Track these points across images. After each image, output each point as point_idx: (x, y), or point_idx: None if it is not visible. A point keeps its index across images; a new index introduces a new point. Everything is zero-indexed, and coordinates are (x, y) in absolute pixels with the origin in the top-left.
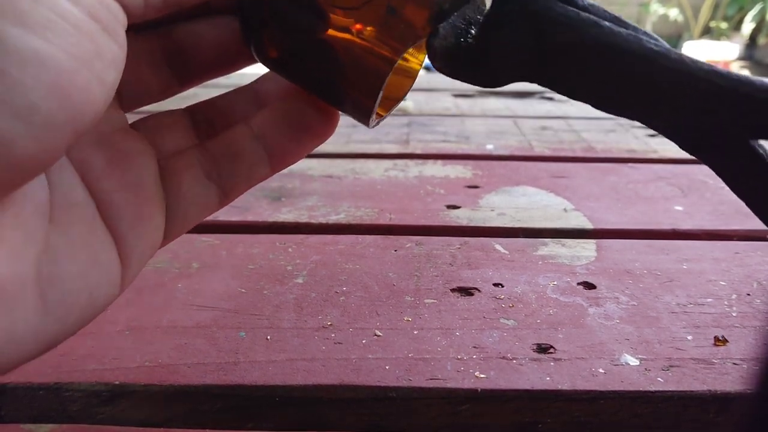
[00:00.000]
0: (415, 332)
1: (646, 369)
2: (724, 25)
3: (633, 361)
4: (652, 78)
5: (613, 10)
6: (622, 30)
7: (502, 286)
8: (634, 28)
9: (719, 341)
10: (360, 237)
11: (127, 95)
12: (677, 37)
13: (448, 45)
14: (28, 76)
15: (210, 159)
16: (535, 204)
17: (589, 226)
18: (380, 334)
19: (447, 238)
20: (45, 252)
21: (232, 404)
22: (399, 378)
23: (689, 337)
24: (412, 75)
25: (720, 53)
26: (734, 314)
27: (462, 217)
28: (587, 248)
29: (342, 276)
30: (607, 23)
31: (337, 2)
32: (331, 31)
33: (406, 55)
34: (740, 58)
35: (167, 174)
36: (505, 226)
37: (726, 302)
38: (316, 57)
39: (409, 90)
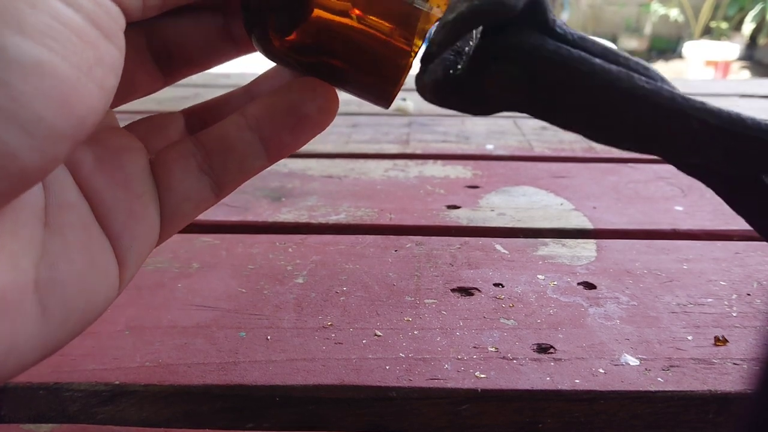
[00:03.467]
0: (415, 332)
1: (646, 369)
2: (724, 25)
3: (633, 361)
4: (644, 116)
5: (613, 10)
6: (613, 67)
7: (502, 286)
8: (625, 59)
9: (719, 341)
10: (360, 237)
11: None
12: (677, 37)
13: (437, 78)
14: (30, 87)
15: (203, 151)
16: (535, 204)
17: (589, 226)
18: (380, 334)
19: (447, 238)
20: (42, 257)
21: (232, 404)
22: (399, 378)
23: (689, 337)
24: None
25: (720, 53)
26: (734, 314)
27: (462, 217)
28: (587, 248)
29: (342, 276)
30: (597, 60)
31: None
32: (346, 18)
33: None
34: (740, 58)
35: (158, 167)
36: (505, 226)
37: (726, 302)
38: (331, 45)
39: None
